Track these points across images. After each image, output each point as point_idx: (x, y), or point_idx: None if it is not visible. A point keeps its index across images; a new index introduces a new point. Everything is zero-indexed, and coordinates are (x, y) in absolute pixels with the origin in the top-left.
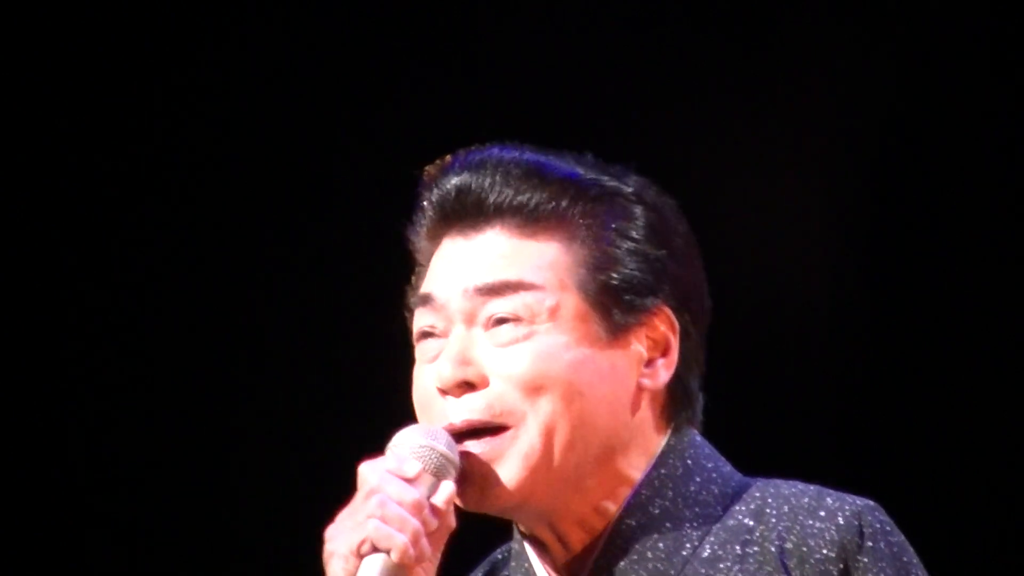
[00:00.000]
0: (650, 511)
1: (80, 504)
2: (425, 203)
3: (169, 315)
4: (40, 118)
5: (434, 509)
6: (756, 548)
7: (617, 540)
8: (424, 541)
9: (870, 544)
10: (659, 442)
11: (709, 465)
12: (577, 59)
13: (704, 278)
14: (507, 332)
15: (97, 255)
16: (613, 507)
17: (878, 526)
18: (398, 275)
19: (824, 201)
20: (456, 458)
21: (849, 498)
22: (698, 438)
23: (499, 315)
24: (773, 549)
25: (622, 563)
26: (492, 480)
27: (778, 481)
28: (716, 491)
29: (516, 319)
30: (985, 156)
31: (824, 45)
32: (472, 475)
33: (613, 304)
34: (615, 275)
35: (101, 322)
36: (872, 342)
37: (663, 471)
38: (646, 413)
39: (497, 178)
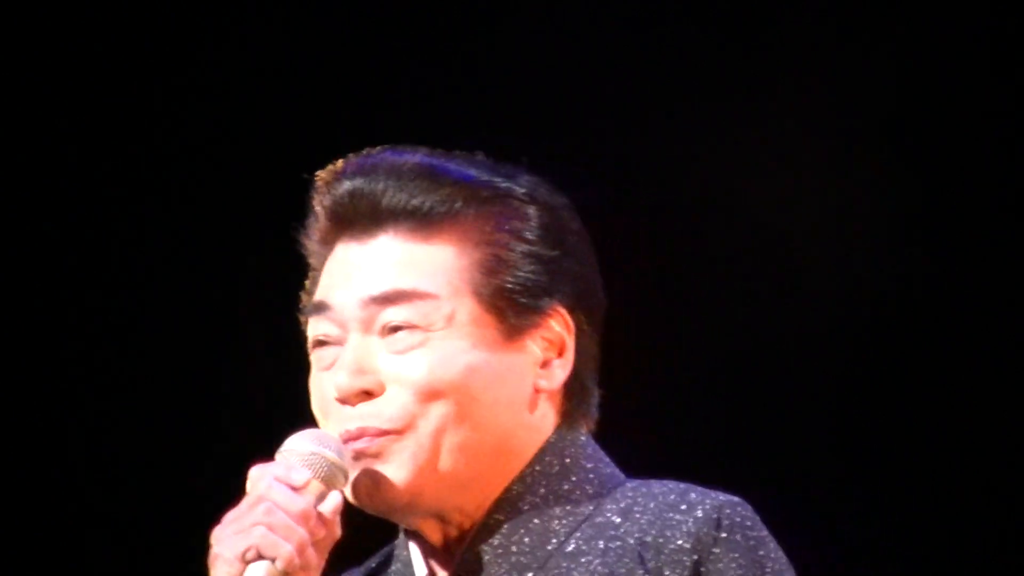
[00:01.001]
0: (519, 506)
1: (79, 504)
2: (318, 208)
3: (168, 315)
4: (36, 117)
5: (321, 518)
6: (619, 543)
7: (483, 534)
8: (310, 550)
9: (725, 535)
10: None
11: (588, 466)
12: (607, 54)
13: (598, 275)
14: (403, 339)
15: (94, 255)
16: (488, 503)
17: (738, 520)
18: None
19: (864, 193)
20: (347, 465)
21: (714, 494)
22: (582, 438)
23: (394, 323)
24: (632, 542)
25: (486, 556)
26: (381, 481)
27: (653, 481)
28: (590, 491)
29: (411, 327)
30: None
31: (864, 31)
32: (363, 475)
33: (508, 307)
34: (509, 278)
35: (98, 322)
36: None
37: (538, 468)
38: (543, 413)
39: (390, 182)
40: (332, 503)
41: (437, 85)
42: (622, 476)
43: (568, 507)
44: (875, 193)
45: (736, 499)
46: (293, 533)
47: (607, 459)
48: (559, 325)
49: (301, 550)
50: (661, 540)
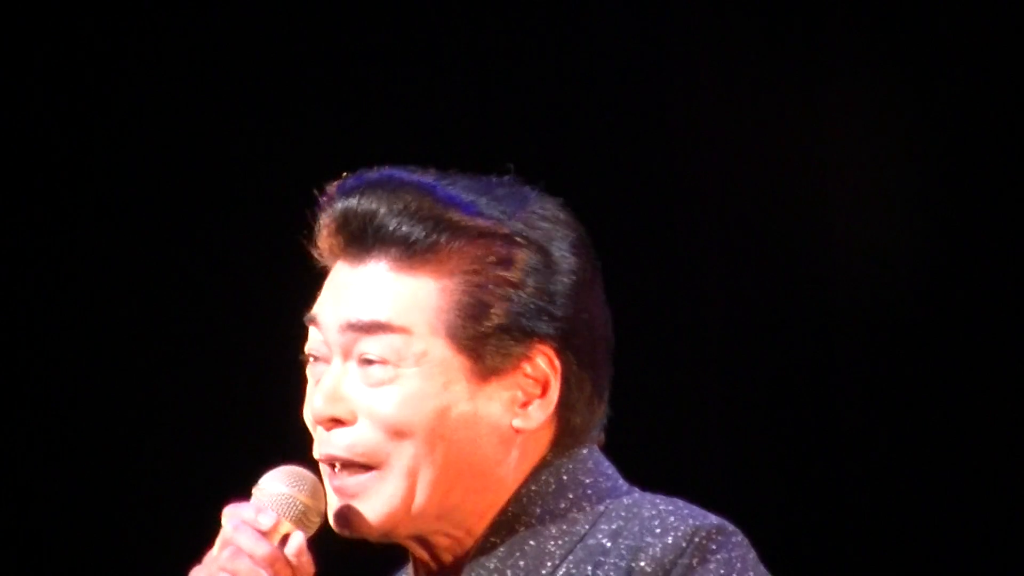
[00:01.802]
0: (515, 528)
1: (79, 503)
2: (320, 222)
3: (167, 315)
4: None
5: (287, 560)
6: (605, 568)
7: (480, 558)
8: None
9: (687, 562)
10: (537, 462)
11: (587, 481)
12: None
13: (598, 311)
14: (376, 373)
15: (89, 256)
16: (482, 527)
17: (711, 546)
18: None
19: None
20: (320, 504)
21: (694, 518)
22: (583, 452)
23: (368, 356)
24: (615, 567)
25: None
26: (356, 514)
27: (648, 500)
28: (587, 508)
29: (383, 361)
30: None
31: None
32: (340, 506)
33: (484, 350)
34: (487, 322)
35: (94, 322)
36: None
37: (533, 487)
38: (524, 448)
39: (382, 206)
40: (294, 545)
41: (444, 84)
42: (624, 488)
43: (564, 526)
44: (901, 186)
45: (719, 524)
46: None
47: (609, 471)
48: (544, 364)
49: None
50: (634, 565)
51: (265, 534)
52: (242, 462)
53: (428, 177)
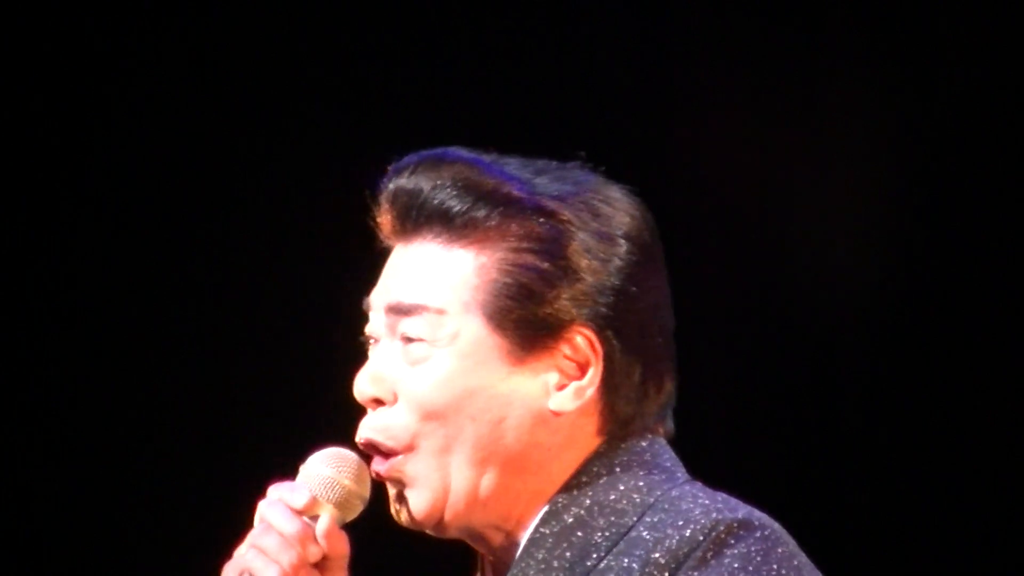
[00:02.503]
0: (564, 519)
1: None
2: (377, 202)
3: (166, 315)
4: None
5: (317, 539)
6: (638, 561)
7: (531, 548)
8: (305, 571)
9: (700, 554)
10: (587, 453)
11: (640, 473)
12: (627, 52)
13: (654, 298)
14: (414, 351)
15: (86, 255)
16: (531, 518)
17: (731, 540)
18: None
19: (869, 197)
20: (364, 489)
21: (719, 512)
22: (642, 444)
23: (408, 334)
24: (645, 560)
25: (531, 571)
26: (404, 504)
27: (691, 492)
28: (637, 499)
29: (420, 340)
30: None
31: (871, 42)
32: (393, 499)
33: (518, 330)
34: (524, 303)
35: (92, 322)
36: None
37: (584, 478)
38: (570, 435)
39: (428, 183)
40: (323, 525)
41: (444, 84)
42: (680, 479)
43: (612, 518)
44: (877, 196)
45: (744, 518)
46: (282, 555)
47: (667, 464)
48: (584, 346)
49: (294, 571)
50: (650, 556)
51: (301, 513)
52: (278, 452)
53: (484, 156)
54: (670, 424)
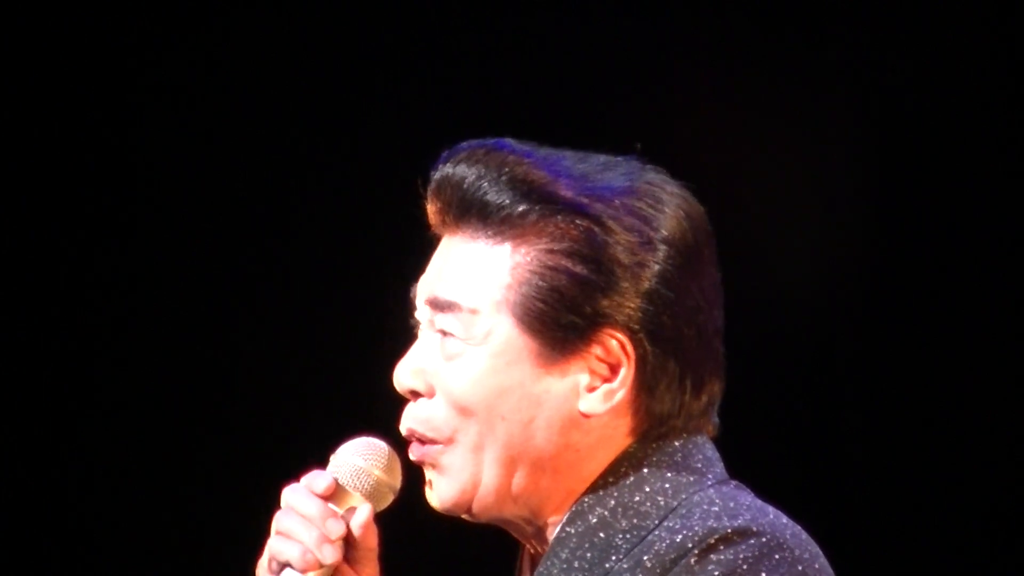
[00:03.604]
0: (588, 519)
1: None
2: (426, 191)
3: (164, 315)
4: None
5: (343, 520)
6: (649, 565)
7: (556, 547)
8: (327, 548)
9: (687, 561)
10: (617, 453)
11: (668, 475)
12: (595, 49)
13: (697, 299)
14: (450, 346)
15: (84, 256)
16: (560, 516)
17: (721, 546)
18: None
19: (836, 196)
20: (395, 480)
21: (719, 519)
22: (674, 444)
23: (443, 329)
24: (654, 563)
25: (555, 569)
26: (437, 490)
27: (711, 496)
28: (661, 502)
29: (454, 336)
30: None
31: (838, 42)
32: (428, 485)
33: (549, 331)
34: (555, 304)
35: (90, 323)
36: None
37: (611, 478)
38: (603, 436)
39: (471, 175)
40: (360, 518)
41: (442, 84)
42: (708, 482)
43: (635, 520)
44: (853, 196)
45: (742, 526)
46: (303, 534)
47: (699, 465)
48: (616, 348)
49: (316, 547)
50: (644, 559)
51: (323, 497)
52: (312, 441)
53: (531, 148)
54: (715, 423)
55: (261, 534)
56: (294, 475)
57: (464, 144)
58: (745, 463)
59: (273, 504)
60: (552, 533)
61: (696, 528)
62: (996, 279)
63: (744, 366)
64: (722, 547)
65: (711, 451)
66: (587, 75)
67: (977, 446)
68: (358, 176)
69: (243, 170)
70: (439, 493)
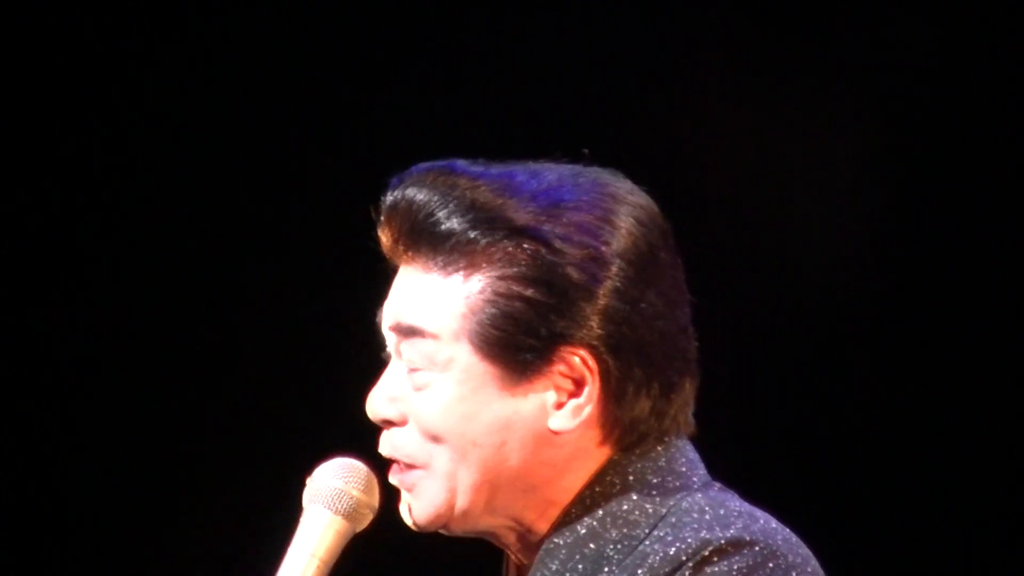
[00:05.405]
0: (577, 529)
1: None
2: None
3: (164, 315)
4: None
5: None
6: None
7: (545, 559)
8: None
9: (682, 573)
10: (600, 463)
11: (654, 481)
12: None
13: (657, 305)
14: (416, 378)
15: (82, 256)
16: (545, 527)
17: (714, 558)
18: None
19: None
20: (373, 499)
21: (712, 531)
22: (657, 450)
23: (410, 360)
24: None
25: None
26: (412, 510)
27: (700, 503)
28: (650, 510)
29: (417, 368)
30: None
31: (849, 39)
32: (403, 504)
33: (510, 355)
34: (510, 329)
35: (89, 324)
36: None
37: (597, 488)
38: (577, 448)
39: (419, 202)
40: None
41: (442, 84)
42: (694, 485)
43: (625, 530)
44: (865, 193)
45: (734, 537)
46: None
47: (682, 468)
48: (579, 364)
49: None
50: (638, 573)
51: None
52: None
53: (480, 169)
54: (691, 422)
55: (261, 534)
56: (293, 476)
57: (415, 168)
58: (750, 463)
59: (269, 504)
60: (534, 540)
61: (689, 540)
62: (1005, 279)
63: (751, 365)
64: (716, 559)
65: (692, 452)
66: (600, 76)
67: (981, 446)
68: (358, 180)
69: (243, 171)
70: (415, 515)
